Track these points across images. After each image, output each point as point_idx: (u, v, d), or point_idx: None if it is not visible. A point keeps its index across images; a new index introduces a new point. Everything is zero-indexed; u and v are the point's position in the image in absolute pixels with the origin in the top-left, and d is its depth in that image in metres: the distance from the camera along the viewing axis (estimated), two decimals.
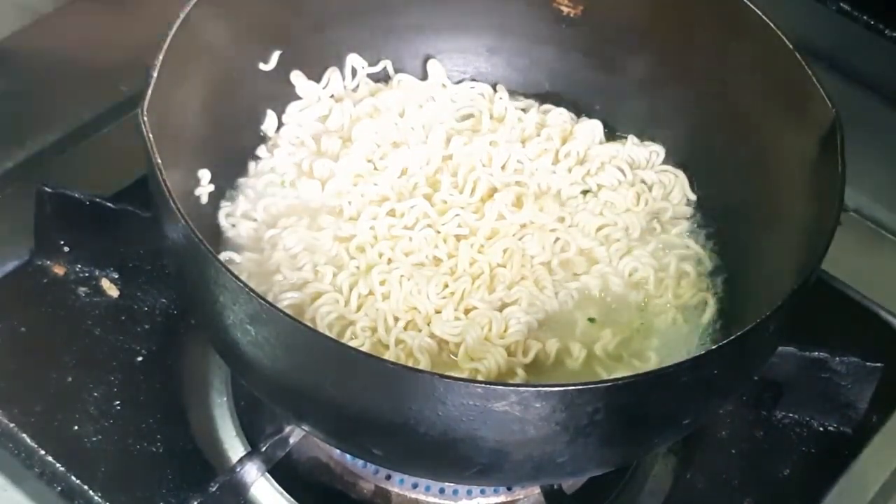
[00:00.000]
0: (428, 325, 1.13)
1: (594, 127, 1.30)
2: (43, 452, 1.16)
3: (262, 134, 1.26)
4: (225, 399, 1.23)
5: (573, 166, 1.27)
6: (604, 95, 1.31)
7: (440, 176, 1.24)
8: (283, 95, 1.27)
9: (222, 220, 1.19)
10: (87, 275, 1.28)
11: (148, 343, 1.25)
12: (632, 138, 1.30)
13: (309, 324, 1.07)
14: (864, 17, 1.51)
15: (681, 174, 1.28)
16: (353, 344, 1.09)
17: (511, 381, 1.10)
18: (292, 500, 1.17)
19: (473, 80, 1.34)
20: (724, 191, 1.23)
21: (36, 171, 1.35)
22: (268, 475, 1.17)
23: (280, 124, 1.27)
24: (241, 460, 1.15)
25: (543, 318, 1.15)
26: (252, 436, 1.20)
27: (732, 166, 1.22)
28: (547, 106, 1.33)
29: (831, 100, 1.09)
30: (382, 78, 1.32)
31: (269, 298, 0.97)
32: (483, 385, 0.93)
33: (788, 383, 1.24)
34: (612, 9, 1.28)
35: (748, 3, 1.17)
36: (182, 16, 1.08)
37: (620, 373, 1.10)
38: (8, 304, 1.25)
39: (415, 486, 1.18)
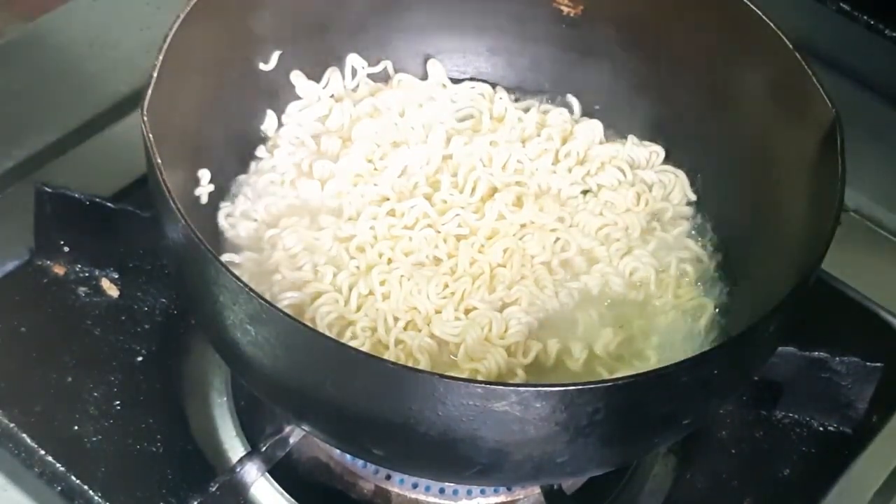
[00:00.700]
0: (428, 325, 1.13)
1: (594, 127, 1.30)
2: (43, 452, 1.16)
3: (262, 134, 1.26)
4: (225, 399, 1.23)
5: (573, 166, 1.27)
6: (604, 95, 1.31)
7: (440, 176, 1.24)
8: (283, 95, 1.27)
9: (222, 220, 1.19)
10: (87, 275, 1.28)
11: (148, 343, 1.25)
12: (632, 138, 1.30)
13: (309, 324, 1.06)
14: (864, 17, 1.51)
15: (681, 174, 1.28)
16: (352, 344, 1.09)
17: (511, 382, 1.09)
18: (292, 500, 1.17)
19: (473, 80, 1.34)
20: (723, 191, 1.23)
21: (36, 171, 1.35)
22: (268, 475, 1.17)
23: (280, 124, 1.27)
24: (241, 460, 1.15)
25: (544, 318, 1.15)
26: (252, 436, 1.20)
27: (732, 166, 1.22)
28: (547, 106, 1.33)
29: (831, 100, 1.09)
30: (382, 78, 1.32)
31: (269, 298, 0.97)
32: (483, 385, 0.93)
33: (788, 383, 1.24)
34: (612, 9, 1.28)
35: (748, 3, 1.17)
36: (182, 16, 1.08)
37: (621, 373, 1.10)
38: (8, 304, 1.25)
39: (415, 486, 1.18)
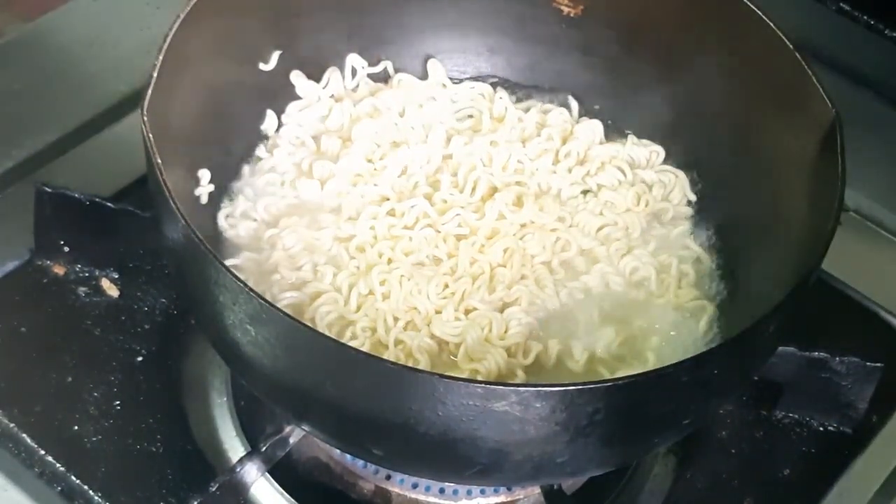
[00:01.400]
0: (428, 325, 1.13)
1: (594, 127, 1.30)
2: (43, 452, 1.16)
3: (262, 134, 1.26)
4: (225, 399, 1.23)
5: (573, 166, 1.27)
6: (604, 95, 1.31)
7: (440, 175, 1.24)
8: (283, 95, 1.27)
9: (222, 220, 1.19)
10: (87, 275, 1.28)
11: (148, 343, 1.25)
12: (632, 138, 1.30)
13: (308, 324, 1.06)
14: (864, 17, 1.51)
15: (681, 174, 1.28)
16: (352, 344, 1.09)
17: (511, 382, 1.09)
18: (292, 500, 1.17)
19: (473, 79, 1.34)
20: (723, 191, 1.23)
21: (36, 171, 1.35)
22: (268, 475, 1.17)
23: (280, 124, 1.27)
24: (241, 460, 1.15)
25: (544, 318, 1.15)
26: (252, 436, 1.20)
27: (732, 166, 1.22)
28: (547, 106, 1.33)
29: (831, 100, 1.09)
30: (382, 78, 1.32)
31: (269, 298, 0.97)
32: (483, 385, 0.93)
33: (788, 383, 1.24)
34: (612, 9, 1.28)
35: (748, 2, 1.17)
36: (182, 16, 1.08)
37: (622, 373, 1.10)
38: (8, 304, 1.25)
39: (415, 486, 1.18)
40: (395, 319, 1.12)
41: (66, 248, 1.27)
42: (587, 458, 1.01)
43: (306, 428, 1.07)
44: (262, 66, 1.24)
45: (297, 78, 1.27)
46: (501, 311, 1.14)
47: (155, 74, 1.03)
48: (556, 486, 1.17)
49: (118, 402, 1.20)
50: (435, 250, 1.18)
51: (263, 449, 1.16)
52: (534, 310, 1.15)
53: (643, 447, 1.10)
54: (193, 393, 1.23)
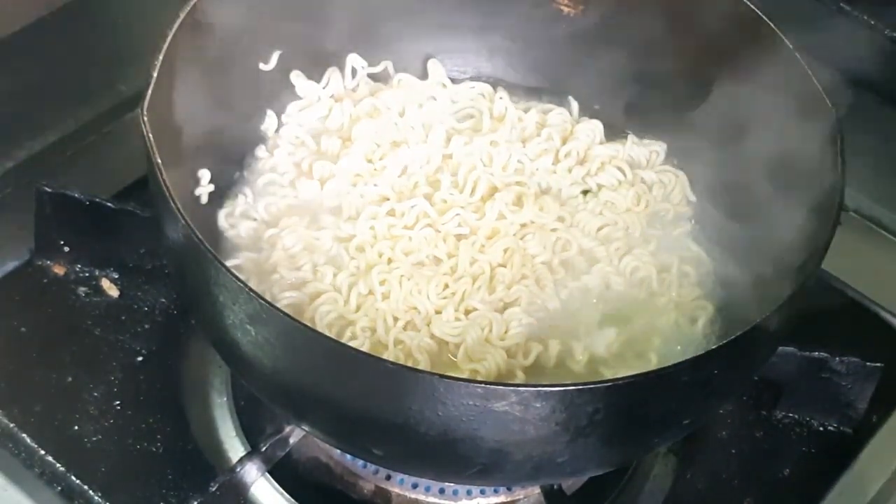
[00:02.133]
0: (428, 325, 1.13)
1: (594, 127, 1.30)
2: (43, 452, 1.16)
3: (262, 134, 1.26)
4: (225, 399, 1.23)
5: (573, 166, 1.27)
6: (604, 95, 1.31)
7: (440, 175, 1.24)
8: (283, 95, 1.27)
9: (222, 220, 1.19)
10: (87, 275, 1.28)
11: (148, 343, 1.25)
12: (632, 138, 1.30)
13: (308, 324, 1.06)
14: (864, 17, 1.51)
15: (681, 174, 1.28)
16: (352, 344, 1.09)
17: (511, 382, 1.09)
18: (292, 500, 1.17)
19: (473, 79, 1.34)
20: (724, 191, 1.23)
21: (36, 171, 1.35)
22: (268, 475, 1.17)
23: (280, 124, 1.27)
24: (241, 460, 1.15)
25: (545, 318, 1.15)
26: (252, 436, 1.20)
27: (732, 166, 1.22)
28: (547, 106, 1.33)
29: (831, 100, 1.09)
30: (382, 78, 1.32)
31: (268, 298, 0.97)
32: (483, 385, 0.93)
33: (788, 383, 1.24)
34: (612, 8, 1.28)
35: (748, 3, 1.17)
36: (182, 16, 1.08)
37: (622, 373, 1.10)
38: (8, 304, 1.25)
39: (415, 486, 1.18)
40: (395, 319, 1.12)
41: (66, 248, 1.27)
42: (587, 458, 1.01)
43: (306, 428, 1.07)
44: (262, 66, 1.24)
45: (297, 78, 1.27)
46: (502, 311, 1.14)
47: (155, 74, 1.03)
48: (556, 486, 1.17)
49: (118, 402, 1.20)
50: (435, 250, 1.18)
51: (263, 449, 1.16)
52: (534, 310, 1.15)
53: (643, 447, 1.10)
54: (193, 393, 1.23)
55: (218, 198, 1.20)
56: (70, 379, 1.21)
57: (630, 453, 1.12)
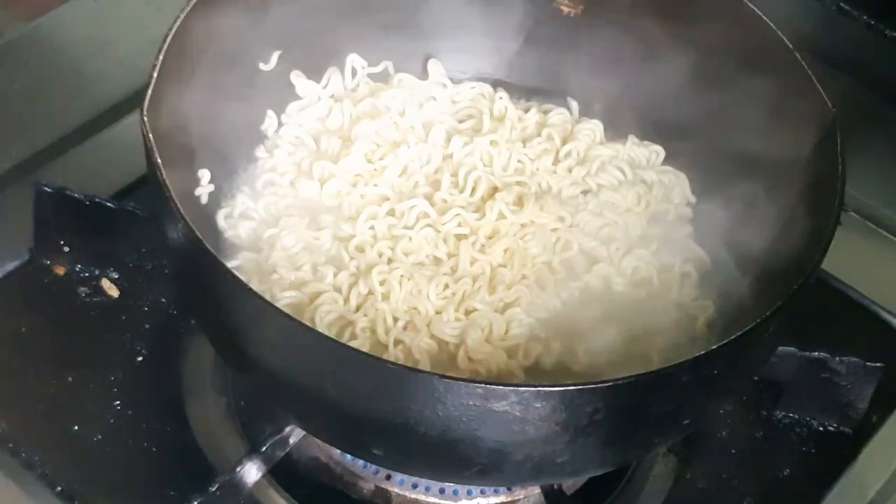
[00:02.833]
0: (428, 325, 1.13)
1: (594, 127, 1.30)
2: (43, 452, 1.16)
3: (262, 134, 1.26)
4: (225, 399, 1.23)
5: (574, 166, 1.27)
6: (604, 95, 1.31)
7: (440, 175, 1.24)
8: (283, 95, 1.27)
9: (222, 220, 1.19)
10: (87, 275, 1.28)
11: (148, 343, 1.25)
12: (632, 138, 1.30)
13: (308, 324, 1.06)
14: (864, 17, 1.51)
15: (681, 175, 1.28)
16: (352, 344, 1.08)
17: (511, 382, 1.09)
18: (292, 500, 1.17)
19: (473, 79, 1.34)
20: (723, 191, 1.23)
21: (36, 171, 1.35)
22: (268, 475, 1.17)
23: (280, 124, 1.27)
24: (241, 460, 1.15)
25: (545, 319, 1.15)
26: (252, 436, 1.20)
27: (732, 167, 1.22)
28: (547, 106, 1.33)
29: (831, 100, 1.09)
30: (382, 78, 1.32)
31: (268, 298, 0.97)
32: (483, 385, 0.93)
33: (788, 383, 1.24)
34: (612, 8, 1.28)
35: (748, 2, 1.17)
36: (182, 16, 1.08)
37: (623, 373, 1.10)
38: (8, 304, 1.25)
39: (415, 486, 1.18)
40: (395, 320, 1.12)
41: (66, 248, 1.27)
42: (587, 458, 1.01)
43: (306, 428, 1.07)
44: (262, 66, 1.24)
45: (297, 78, 1.27)
46: (502, 311, 1.14)
47: (155, 74, 1.03)
48: (556, 486, 1.17)
49: (118, 402, 1.20)
50: (435, 250, 1.18)
51: (263, 449, 1.16)
52: (534, 310, 1.15)
53: (643, 447, 1.10)
54: (193, 393, 1.23)
55: (218, 198, 1.20)
56: (70, 379, 1.21)
57: (630, 453, 1.12)
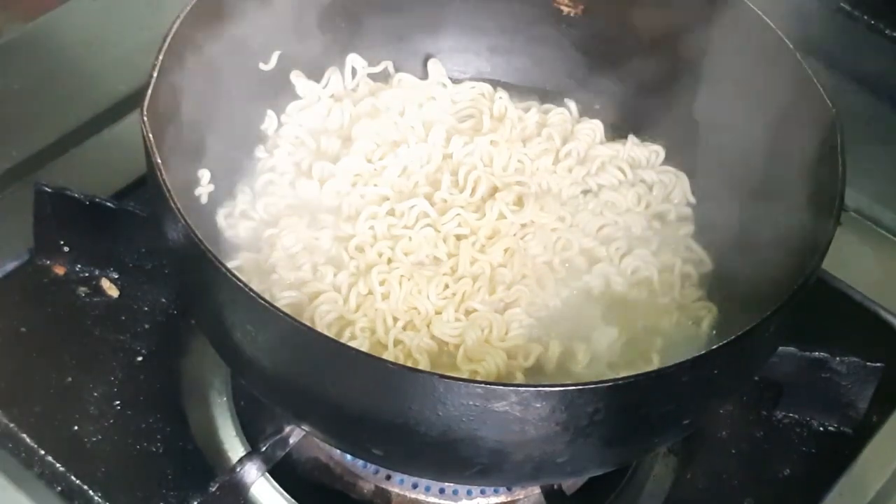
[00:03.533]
0: (427, 325, 1.13)
1: (595, 127, 1.30)
2: (43, 452, 1.16)
3: (262, 134, 1.26)
4: (225, 399, 1.23)
5: (574, 166, 1.27)
6: (604, 95, 1.32)
7: (440, 175, 1.24)
8: (283, 95, 1.27)
9: (221, 220, 1.19)
10: (87, 275, 1.28)
11: (148, 343, 1.25)
12: (632, 138, 1.30)
13: (308, 324, 1.06)
14: (865, 17, 1.51)
15: (681, 175, 1.28)
16: (352, 344, 1.08)
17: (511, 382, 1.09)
18: (292, 500, 1.17)
19: (473, 79, 1.34)
20: (724, 192, 1.23)
21: (36, 171, 1.35)
22: (268, 475, 1.17)
23: (280, 124, 1.27)
24: (241, 460, 1.15)
25: (546, 318, 1.15)
26: (252, 436, 1.20)
27: (732, 166, 1.22)
28: (547, 106, 1.33)
29: (831, 100, 1.09)
30: (382, 78, 1.32)
31: (268, 298, 0.97)
32: (483, 385, 0.93)
33: (788, 383, 1.24)
34: (613, 8, 1.28)
35: (748, 3, 1.17)
36: (182, 16, 1.08)
37: (624, 374, 1.10)
38: (8, 304, 1.25)
39: (415, 486, 1.18)
40: (395, 320, 1.12)
41: (66, 248, 1.27)
42: (587, 458, 1.01)
43: (306, 428, 1.07)
44: (262, 66, 1.24)
45: (297, 78, 1.28)
46: (502, 312, 1.14)
47: (155, 74, 1.03)
48: (556, 486, 1.17)
49: (118, 402, 1.20)
50: (435, 250, 1.18)
51: (263, 449, 1.16)
52: (535, 310, 1.15)
53: (643, 447, 1.10)
54: (193, 393, 1.23)
55: (218, 198, 1.20)
56: (70, 379, 1.21)
57: (630, 453, 1.12)
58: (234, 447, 1.20)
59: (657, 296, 1.19)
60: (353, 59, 1.30)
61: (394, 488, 1.18)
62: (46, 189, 1.24)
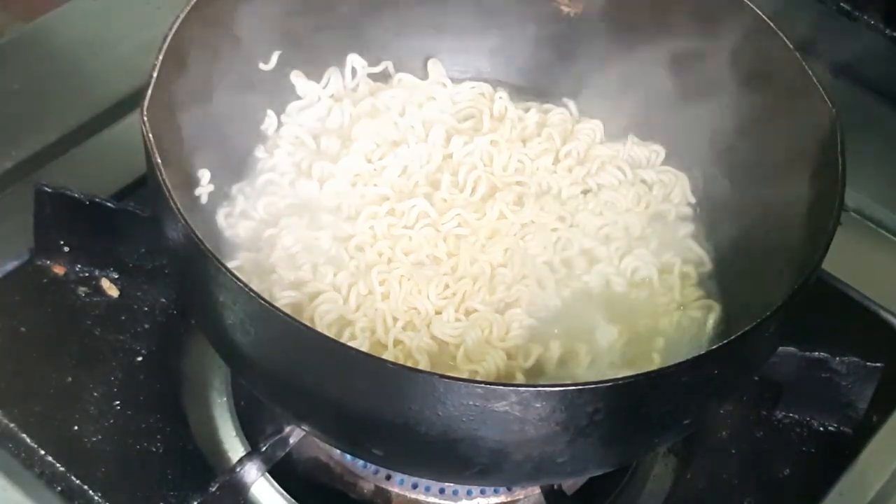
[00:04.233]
0: (427, 326, 1.13)
1: (595, 127, 1.30)
2: (43, 452, 1.16)
3: (262, 134, 1.26)
4: (225, 399, 1.23)
5: (574, 166, 1.27)
6: (604, 95, 1.31)
7: (440, 175, 1.24)
8: (283, 95, 1.27)
9: (221, 220, 1.19)
10: (87, 275, 1.28)
11: (148, 343, 1.25)
12: (632, 138, 1.30)
13: (308, 323, 1.06)
14: (865, 17, 1.51)
15: (681, 175, 1.28)
16: (352, 344, 1.08)
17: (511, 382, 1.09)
18: (292, 500, 1.17)
19: (473, 79, 1.34)
20: (723, 192, 1.23)
21: (36, 171, 1.35)
22: (268, 475, 1.17)
23: (280, 124, 1.27)
24: (241, 460, 1.15)
25: (546, 319, 1.15)
26: (252, 436, 1.20)
27: (732, 167, 1.22)
28: (547, 105, 1.33)
29: (831, 100, 1.09)
30: (382, 78, 1.32)
31: (268, 298, 0.97)
32: (483, 385, 0.93)
33: (788, 383, 1.24)
34: (612, 8, 1.28)
35: (748, 2, 1.17)
36: (182, 16, 1.08)
37: (624, 374, 1.10)
38: (8, 304, 1.25)
39: (415, 486, 1.18)
40: (395, 320, 1.12)
41: (66, 248, 1.27)
42: (587, 458, 1.01)
43: (306, 428, 1.07)
44: (262, 66, 1.24)
45: (297, 78, 1.27)
46: (503, 312, 1.14)
47: (155, 74, 1.03)
48: (556, 486, 1.17)
49: (118, 402, 1.20)
50: (435, 250, 1.18)
51: (263, 449, 1.16)
52: (535, 310, 1.15)
53: (643, 447, 1.10)
54: (193, 393, 1.23)
55: (218, 198, 1.20)
56: (70, 379, 1.21)
57: (630, 453, 1.12)
58: (234, 447, 1.20)
59: (657, 296, 1.19)
60: (353, 59, 1.30)
61: (394, 488, 1.18)
62: (46, 189, 1.24)
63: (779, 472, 1.23)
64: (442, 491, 1.18)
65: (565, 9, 1.31)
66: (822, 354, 1.21)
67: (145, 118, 1.00)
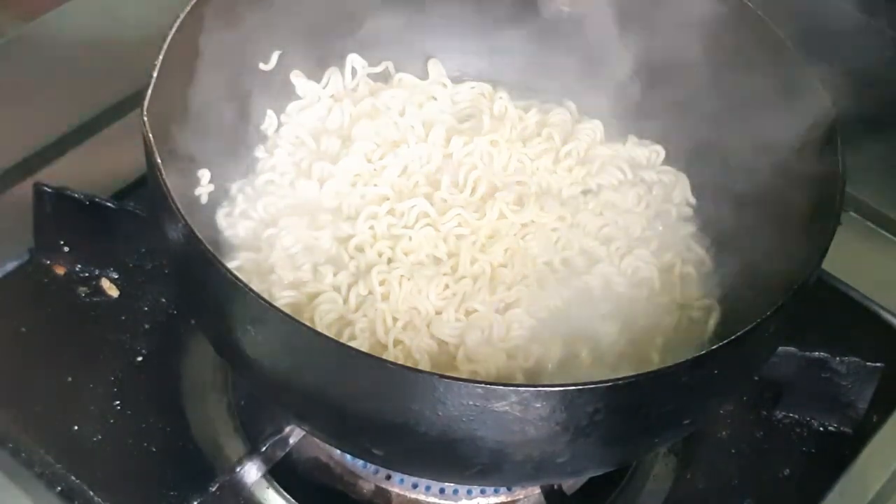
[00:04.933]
0: (428, 326, 1.12)
1: (595, 127, 1.30)
2: (43, 452, 1.16)
3: (262, 134, 1.26)
4: (225, 399, 1.23)
5: (574, 166, 1.27)
6: (604, 95, 1.31)
7: (440, 175, 1.24)
8: (283, 95, 1.27)
9: (221, 220, 1.19)
10: (87, 275, 1.28)
11: (148, 343, 1.25)
12: (632, 138, 1.30)
13: (308, 324, 1.06)
14: (866, 17, 1.50)
15: (681, 175, 1.28)
16: (352, 344, 1.08)
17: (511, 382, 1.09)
18: (292, 500, 1.17)
19: (473, 79, 1.34)
20: (724, 192, 1.23)
21: (36, 170, 1.35)
22: (268, 475, 1.17)
23: (280, 124, 1.27)
24: (240, 460, 1.15)
25: (546, 319, 1.15)
26: (252, 436, 1.20)
27: (732, 167, 1.22)
28: (547, 105, 1.33)
29: (831, 100, 1.09)
30: (383, 78, 1.32)
31: (267, 297, 0.97)
32: (483, 385, 0.93)
33: (788, 383, 1.24)
34: (613, 8, 1.28)
35: (748, 2, 1.17)
36: (182, 16, 1.08)
37: (624, 374, 1.10)
38: (8, 304, 1.25)
39: (415, 486, 1.18)
40: (395, 320, 1.12)
41: (66, 248, 1.27)
42: (587, 458, 1.01)
43: (306, 428, 1.07)
44: (262, 66, 1.24)
45: (297, 78, 1.27)
46: (503, 312, 1.14)
47: (155, 74, 1.03)
48: (556, 486, 1.17)
49: (118, 402, 1.20)
50: (435, 250, 1.18)
51: (263, 449, 1.16)
52: (535, 310, 1.15)
53: (643, 447, 1.10)
54: (193, 393, 1.23)
55: (218, 198, 1.20)
56: (70, 379, 1.21)
57: (630, 453, 1.12)
58: (234, 447, 1.20)
59: (657, 296, 1.19)
60: (353, 59, 1.30)
61: (394, 488, 1.18)
62: (46, 189, 1.24)
63: (779, 472, 1.23)
64: (442, 491, 1.18)
65: (565, 9, 1.31)
66: (822, 354, 1.21)
67: (145, 118, 1.00)
